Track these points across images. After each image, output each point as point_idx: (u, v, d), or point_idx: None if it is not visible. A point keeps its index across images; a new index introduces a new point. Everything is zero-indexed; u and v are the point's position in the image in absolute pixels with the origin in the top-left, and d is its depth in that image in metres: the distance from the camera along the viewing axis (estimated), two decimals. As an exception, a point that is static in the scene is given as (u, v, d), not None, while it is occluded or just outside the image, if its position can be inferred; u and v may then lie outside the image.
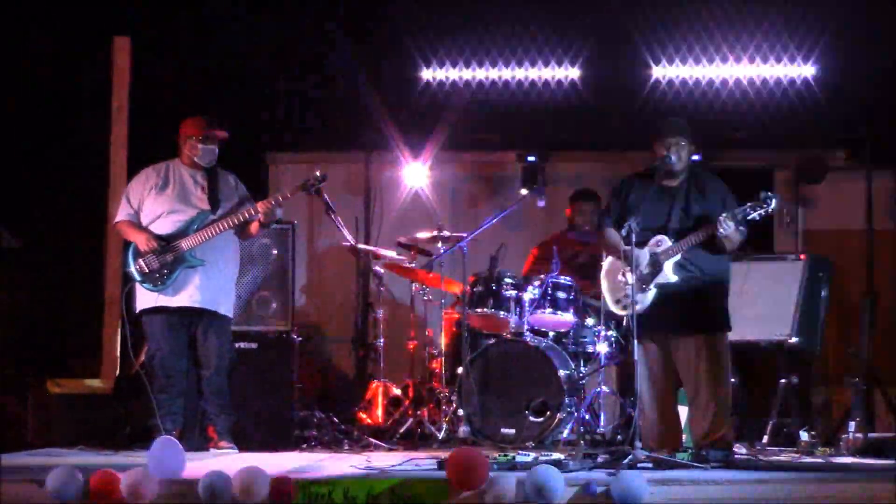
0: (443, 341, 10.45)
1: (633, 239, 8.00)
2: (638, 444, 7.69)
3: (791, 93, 11.80)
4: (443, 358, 10.38)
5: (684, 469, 7.45)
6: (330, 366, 12.48)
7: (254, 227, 9.33)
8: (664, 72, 11.97)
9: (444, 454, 7.05)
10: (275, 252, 10.11)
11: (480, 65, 12.16)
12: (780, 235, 12.12)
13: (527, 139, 12.27)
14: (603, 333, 9.95)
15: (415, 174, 12.22)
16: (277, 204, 9.20)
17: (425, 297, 10.76)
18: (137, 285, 9.20)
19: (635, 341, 7.99)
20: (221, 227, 9.17)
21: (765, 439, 9.80)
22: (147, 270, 9.13)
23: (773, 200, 8.27)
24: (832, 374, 11.34)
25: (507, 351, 9.78)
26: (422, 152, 12.12)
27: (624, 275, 8.41)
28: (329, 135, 12.23)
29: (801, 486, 6.68)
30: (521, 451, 7.93)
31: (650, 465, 7.44)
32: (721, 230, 8.20)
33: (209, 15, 11.52)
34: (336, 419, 10.26)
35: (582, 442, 9.50)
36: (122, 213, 9.36)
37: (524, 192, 11.71)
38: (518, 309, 9.95)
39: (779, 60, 11.82)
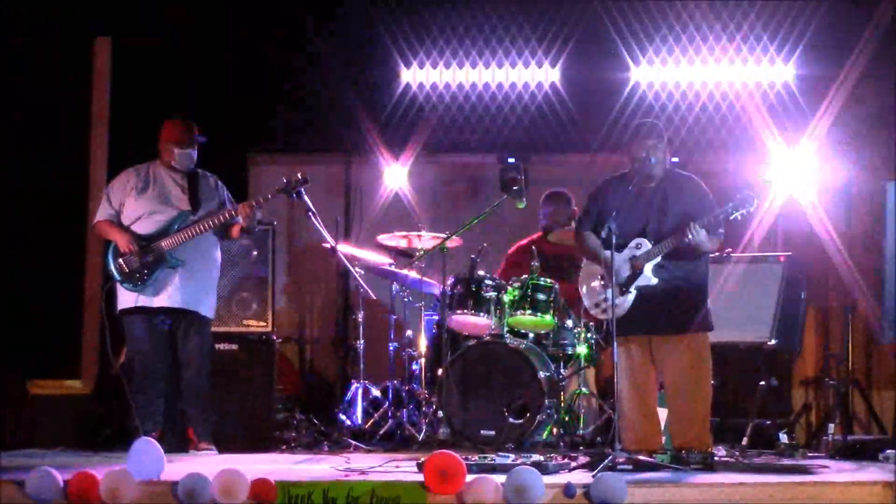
0: (423, 343, 10.46)
1: (614, 241, 7.99)
2: (618, 445, 7.70)
3: (771, 95, 11.81)
4: (423, 359, 10.39)
5: (664, 471, 7.46)
6: (310, 367, 12.48)
7: (235, 230, 9.32)
8: (644, 74, 11.98)
9: (424, 456, 7.04)
10: (255, 253, 10.12)
11: (460, 67, 12.15)
12: (759, 237, 12.11)
13: (507, 141, 12.26)
14: (583, 335, 9.96)
15: (395, 176, 12.20)
16: (258, 206, 9.19)
17: (405, 299, 10.76)
18: (118, 285, 9.19)
19: (615, 343, 7.98)
20: (202, 228, 9.16)
21: (744, 441, 9.81)
22: (127, 270, 9.11)
23: (755, 200, 8.25)
24: (811, 375, 11.36)
25: (486, 352, 9.73)
26: (402, 154, 12.12)
27: (602, 278, 8.40)
28: (309, 136, 12.22)
29: (781, 489, 6.70)
30: (500, 453, 7.92)
31: (630, 466, 7.44)
32: (689, 237, 8.17)
33: (190, 16, 11.49)
34: (316, 421, 10.28)
35: (561, 444, 9.51)
36: (101, 213, 9.35)
37: (504, 194, 11.69)
38: (498, 310, 9.94)
39: (759, 63, 11.83)
